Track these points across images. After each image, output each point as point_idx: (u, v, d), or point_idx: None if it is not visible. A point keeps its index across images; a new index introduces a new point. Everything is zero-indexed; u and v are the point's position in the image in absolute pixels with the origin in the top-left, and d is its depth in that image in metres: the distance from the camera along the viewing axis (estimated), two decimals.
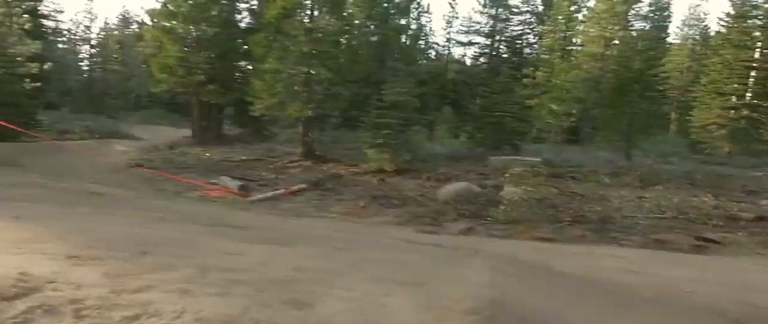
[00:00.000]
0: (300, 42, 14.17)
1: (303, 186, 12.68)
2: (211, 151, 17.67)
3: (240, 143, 20.02)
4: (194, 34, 17.22)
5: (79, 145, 17.90)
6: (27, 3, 21.40)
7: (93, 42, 39.47)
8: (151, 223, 5.36)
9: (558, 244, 7.82)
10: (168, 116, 33.30)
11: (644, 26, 30.87)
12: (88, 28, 39.82)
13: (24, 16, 19.00)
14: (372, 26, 20.86)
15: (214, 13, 17.12)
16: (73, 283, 2.52)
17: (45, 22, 31.08)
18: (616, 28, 27.23)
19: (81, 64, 39.98)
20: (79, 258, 3.17)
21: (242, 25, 18.40)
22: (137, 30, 43.77)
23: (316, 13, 14.66)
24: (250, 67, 18.30)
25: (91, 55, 39.88)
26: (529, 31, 36.79)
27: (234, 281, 2.81)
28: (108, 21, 43.75)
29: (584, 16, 29.47)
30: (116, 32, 42.64)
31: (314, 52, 14.24)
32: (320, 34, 14.47)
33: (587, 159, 17.44)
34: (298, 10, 14.54)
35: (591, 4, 29.33)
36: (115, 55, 39.95)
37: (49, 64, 19.16)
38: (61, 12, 36.72)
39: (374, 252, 5.03)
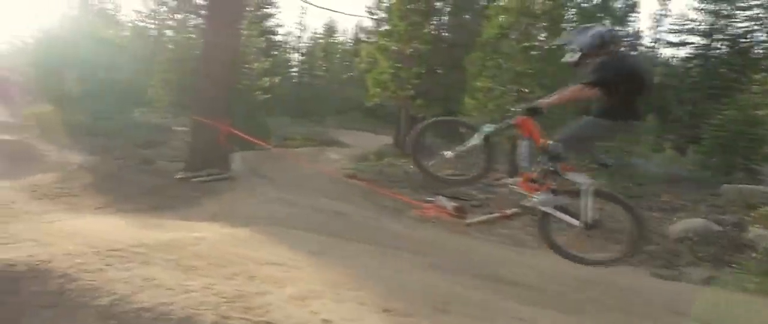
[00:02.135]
0: (516, 60, 14.01)
1: (516, 210, 12.52)
2: None
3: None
4: (408, 51, 18.03)
5: (297, 152, 19.69)
6: (262, 23, 24.35)
7: (302, 50, 43.96)
8: (424, 268, 5.69)
9: None
10: (365, 120, 35.47)
11: None
12: (298, 38, 44.41)
13: (260, 37, 21.76)
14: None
15: (426, 30, 17.77)
16: None
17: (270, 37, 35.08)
18: None
19: (292, 71, 44.63)
20: (393, 312, 3.41)
21: (450, 41, 18.81)
22: (341, 38, 47.61)
23: (532, 30, 14.39)
24: (455, 82, 18.64)
25: (300, 63, 44.45)
26: (757, 27, 31.96)
27: None
28: (316, 30, 47.86)
29: None
30: (321, 41, 46.55)
31: (530, 70, 13.97)
32: (536, 53, 14.17)
33: None
34: (515, 29, 14.39)
35: None
36: (320, 62, 43.90)
37: (278, 78, 21.56)
38: (281, 26, 41.12)
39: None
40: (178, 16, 39.99)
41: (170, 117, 30.66)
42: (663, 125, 26.36)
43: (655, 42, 35.10)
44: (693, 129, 24.09)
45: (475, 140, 4.37)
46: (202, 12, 28.37)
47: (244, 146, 16.77)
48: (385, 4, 22.18)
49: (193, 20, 38.79)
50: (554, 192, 4.12)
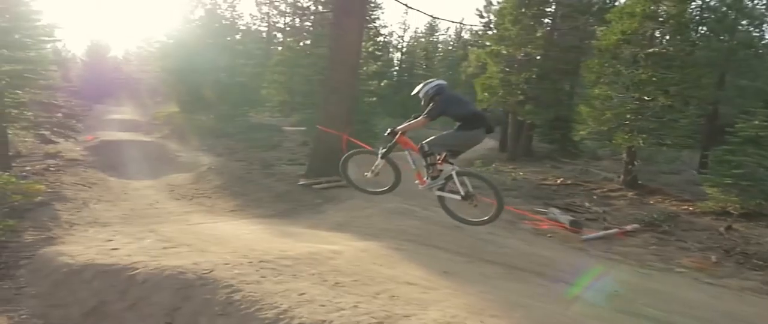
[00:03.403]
0: (640, 67, 13.33)
1: (636, 226, 11.94)
2: (524, 169, 17.99)
3: (549, 161, 19.94)
4: (519, 56, 17.71)
5: (402, 156, 19.82)
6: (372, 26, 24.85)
7: (403, 49, 44.30)
8: (559, 296, 5.65)
9: None
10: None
11: None
12: (401, 37, 44.90)
13: (371, 41, 22.23)
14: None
15: (538, 34, 17.33)
16: None
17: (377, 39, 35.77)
18: None
19: (392, 70, 45.13)
20: None
21: (563, 45, 18.17)
22: (442, 37, 47.51)
23: (657, 35, 13.59)
24: (567, 87, 18.10)
25: (400, 62, 44.87)
26: None
27: None
28: (418, 30, 48.15)
29: None
30: (423, 40, 46.70)
31: (654, 78, 13.21)
32: (659, 59, 13.36)
33: None
34: (638, 34, 13.64)
35: None
36: (420, 62, 44.04)
37: (385, 81, 21.93)
38: (385, 27, 41.87)
39: None
40: (287, 20, 42.12)
41: (279, 116, 32.33)
42: None
43: None
44: None
45: (378, 161, 5.82)
46: (311, 16, 29.56)
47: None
48: (495, 7, 21.99)
49: (301, 23, 40.80)
50: (434, 179, 5.55)
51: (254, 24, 41.98)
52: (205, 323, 4.57)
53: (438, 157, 5.49)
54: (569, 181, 16.14)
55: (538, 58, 17.67)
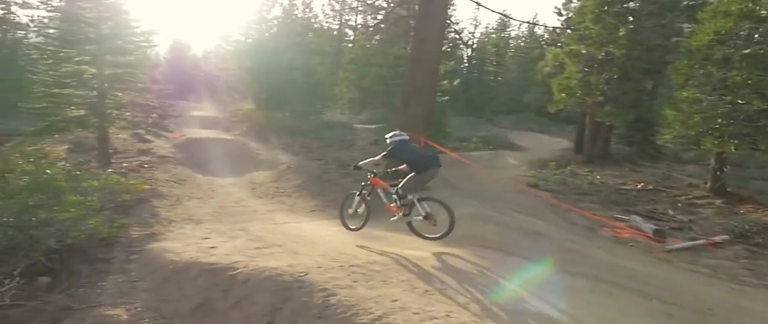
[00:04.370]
0: (734, 68, 12.59)
1: (726, 237, 11.32)
2: (601, 172, 17.44)
3: (628, 164, 19.22)
4: (600, 55, 17.13)
5: (475, 157, 19.38)
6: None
7: (473, 45, 43.83)
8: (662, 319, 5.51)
9: None
10: (538, 120, 34.08)
11: None
12: (471, 33, 44.47)
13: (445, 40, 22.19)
14: None
15: (621, 33, 16.68)
16: None
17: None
18: None
19: (462, 66, 44.71)
20: None
21: (648, 44, 17.36)
22: (514, 33, 46.63)
23: (755, 36, 12.74)
24: (649, 87, 17.31)
25: (470, 58, 44.42)
26: None
27: None
28: (489, 25, 47.47)
29: None
30: (494, 36, 46.06)
31: (749, 80, 12.44)
32: (756, 60, 12.54)
33: None
34: (734, 35, 12.87)
35: None
36: (491, 58, 43.47)
37: (458, 80, 21.84)
38: (457, 24, 41.52)
39: None
40: (359, 19, 42.69)
41: (349, 113, 32.91)
42: None
43: None
44: None
45: (356, 198, 7.62)
46: (388, 16, 29.72)
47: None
48: (574, 5, 21.35)
49: (372, 21, 41.17)
50: (405, 208, 7.11)
51: (326, 22, 42.91)
52: None
53: (409, 196, 7.02)
54: (650, 186, 15.48)
55: (620, 57, 16.98)
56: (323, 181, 13.10)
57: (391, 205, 7.33)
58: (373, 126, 22.35)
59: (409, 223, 7.14)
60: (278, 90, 24.25)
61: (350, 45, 40.52)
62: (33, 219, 6.03)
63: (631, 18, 16.98)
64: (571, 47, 17.94)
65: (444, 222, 6.81)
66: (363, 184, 7.45)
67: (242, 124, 22.75)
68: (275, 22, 29.81)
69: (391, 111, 19.12)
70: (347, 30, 43.55)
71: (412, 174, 6.99)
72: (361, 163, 7.52)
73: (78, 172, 8.09)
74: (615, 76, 17.09)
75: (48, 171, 7.22)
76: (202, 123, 24.25)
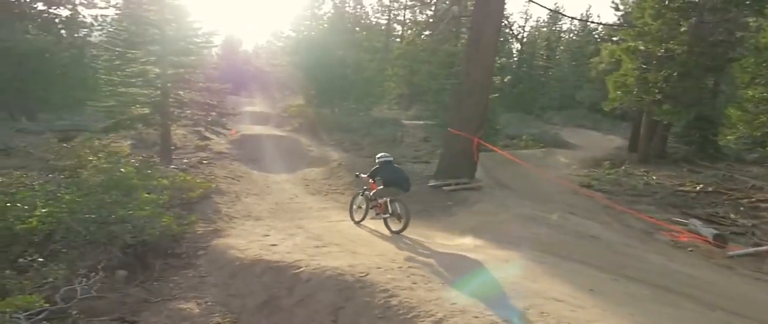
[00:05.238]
0: None
1: None
2: (657, 173, 16.92)
3: (686, 164, 18.56)
4: (659, 52, 16.55)
5: (526, 156, 19.05)
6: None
7: (523, 39, 42.87)
8: None
9: None
10: (590, 117, 33.12)
11: None
12: (521, 27, 43.62)
13: None
14: None
15: (683, 29, 16.07)
16: None
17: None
18: None
19: (511, 61, 43.85)
20: None
21: (711, 40, 16.62)
22: (566, 26, 45.45)
23: None
24: (710, 85, 16.60)
25: (520, 52, 43.59)
26: None
27: None
28: (539, 19, 46.41)
29: None
30: (544, 29, 45.03)
31: None
32: None
33: None
34: None
35: None
36: (541, 52, 42.52)
37: (508, 77, 21.57)
38: (506, 18, 40.76)
39: None
40: (408, 14, 42.66)
41: (397, 109, 33.02)
42: None
43: None
44: None
45: (359, 197, 9.31)
46: (432, 8, 29.59)
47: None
48: (632, 0, 20.66)
49: (421, 17, 41.09)
50: (383, 207, 8.62)
51: (375, 17, 43.07)
52: None
53: (380, 200, 8.65)
54: (710, 188, 14.90)
55: (681, 54, 16.35)
56: None
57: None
58: (422, 122, 22.36)
59: (385, 220, 8.56)
60: (329, 86, 24.57)
61: (399, 40, 40.55)
62: (111, 216, 6.43)
63: (693, 13, 16.30)
64: (629, 44, 17.42)
65: (404, 218, 8.23)
66: (365, 187, 9.18)
67: (293, 120, 23.21)
68: (326, 18, 30.21)
69: (441, 108, 19.08)
70: (396, 25, 43.55)
71: (381, 186, 8.64)
72: (361, 175, 9.42)
73: (148, 171, 8.52)
74: (675, 74, 16.48)
75: (122, 169, 7.66)
76: (253, 119, 24.81)
